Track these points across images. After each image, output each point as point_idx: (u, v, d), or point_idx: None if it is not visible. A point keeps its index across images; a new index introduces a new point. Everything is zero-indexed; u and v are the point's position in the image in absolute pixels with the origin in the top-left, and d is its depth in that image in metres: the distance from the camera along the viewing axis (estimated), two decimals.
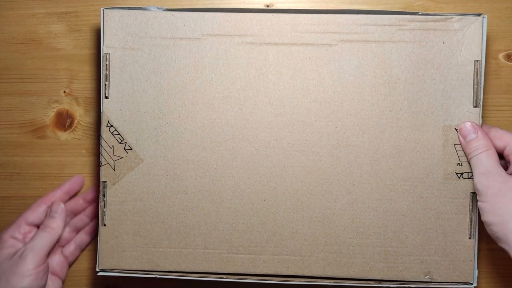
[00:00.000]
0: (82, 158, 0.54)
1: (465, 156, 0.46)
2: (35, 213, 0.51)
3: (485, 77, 0.51)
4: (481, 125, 0.46)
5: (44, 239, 0.48)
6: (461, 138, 0.46)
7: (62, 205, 0.51)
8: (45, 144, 0.53)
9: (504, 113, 0.54)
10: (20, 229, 0.50)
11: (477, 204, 0.45)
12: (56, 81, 0.53)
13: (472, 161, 0.45)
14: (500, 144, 0.45)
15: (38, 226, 0.51)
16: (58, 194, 0.53)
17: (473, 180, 0.45)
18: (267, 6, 0.52)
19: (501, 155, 0.46)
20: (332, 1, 0.52)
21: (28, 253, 0.47)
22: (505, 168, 0.46)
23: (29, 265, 0.46)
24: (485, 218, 0.44)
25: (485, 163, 0.44)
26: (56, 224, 0.49)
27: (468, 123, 0.45)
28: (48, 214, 0.50)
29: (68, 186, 0.53)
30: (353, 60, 0.46)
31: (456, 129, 0.45)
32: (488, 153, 0.45)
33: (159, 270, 0.47)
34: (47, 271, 0.48)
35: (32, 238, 0.49)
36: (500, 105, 0.54)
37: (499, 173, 0.44)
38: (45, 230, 0.49)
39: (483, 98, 0.46)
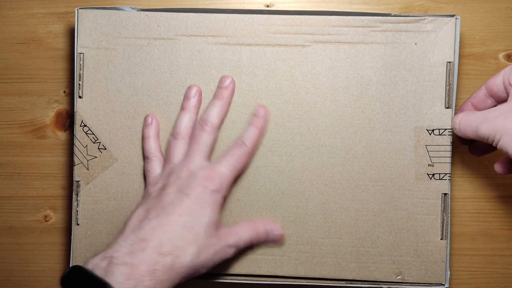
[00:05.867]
0: None
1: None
2: None
3: (485, 77, 0.51)
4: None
5: None
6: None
7: None
8: (45, 144, 0.53)
9: None
10: None
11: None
12: (56, 81, 0.53)
13: None
14: (498, 79, 0.43)
15: None
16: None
17: None
18: (267, 6, 0.52)
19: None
20: (332, 1, 0.51)
21: None
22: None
23: None
24: None
25: None
26: None
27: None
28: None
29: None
30: (325, 61, 0.46)
31: (427, 130, 0.46)
32: None
33: None
34: None
35: None
36: None
37: None
38: None
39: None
